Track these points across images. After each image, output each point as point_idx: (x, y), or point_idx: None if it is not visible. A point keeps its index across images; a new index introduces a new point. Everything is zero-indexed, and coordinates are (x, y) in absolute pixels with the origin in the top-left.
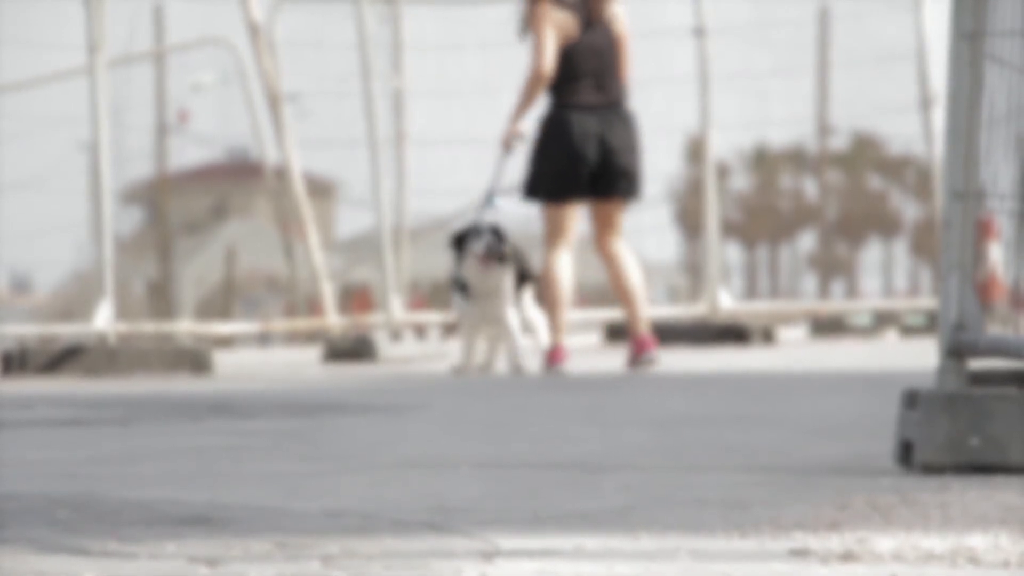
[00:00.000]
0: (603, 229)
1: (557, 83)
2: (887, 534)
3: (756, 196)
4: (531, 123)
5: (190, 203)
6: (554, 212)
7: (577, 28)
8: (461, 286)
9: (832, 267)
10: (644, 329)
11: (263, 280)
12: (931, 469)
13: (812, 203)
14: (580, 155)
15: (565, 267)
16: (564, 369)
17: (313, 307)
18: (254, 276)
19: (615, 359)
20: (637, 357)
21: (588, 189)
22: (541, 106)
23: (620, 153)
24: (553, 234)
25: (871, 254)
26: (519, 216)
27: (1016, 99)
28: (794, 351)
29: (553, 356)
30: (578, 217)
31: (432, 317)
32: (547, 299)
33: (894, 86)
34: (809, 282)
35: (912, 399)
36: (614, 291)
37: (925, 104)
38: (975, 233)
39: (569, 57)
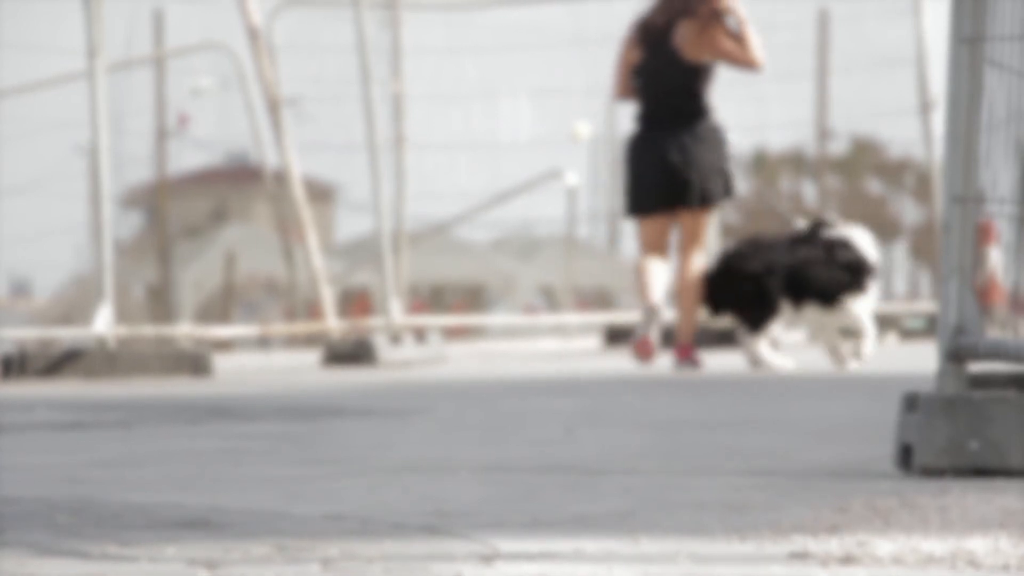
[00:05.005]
0: (681, 235)
1: (637, 106)
2: (887, 537)
3: (755, 200)
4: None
5: (189, 207)
6: (637, 225)
7: (641, 55)
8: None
9: None
10: (683, 337)
11: (263, 284)
12: (931, 472)
13: (811, 207)
14: (640, 173)
15: (651, 271)
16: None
17: (312, 311)
18: (254, 280)
19: (615, 362)
20: (678, 362)
21: (656, 203)
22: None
23: (679, 166)
24: (639, 244)
25: None
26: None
27: (1016, 103)
28: (794, 354)
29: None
30: (658, 230)
31: (432, 321)
32: (639, 298)
33: (894, 90)
34: None
35: (912, 402)
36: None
37: (925, 108)
38: (975, 237)
39: (638, 82)
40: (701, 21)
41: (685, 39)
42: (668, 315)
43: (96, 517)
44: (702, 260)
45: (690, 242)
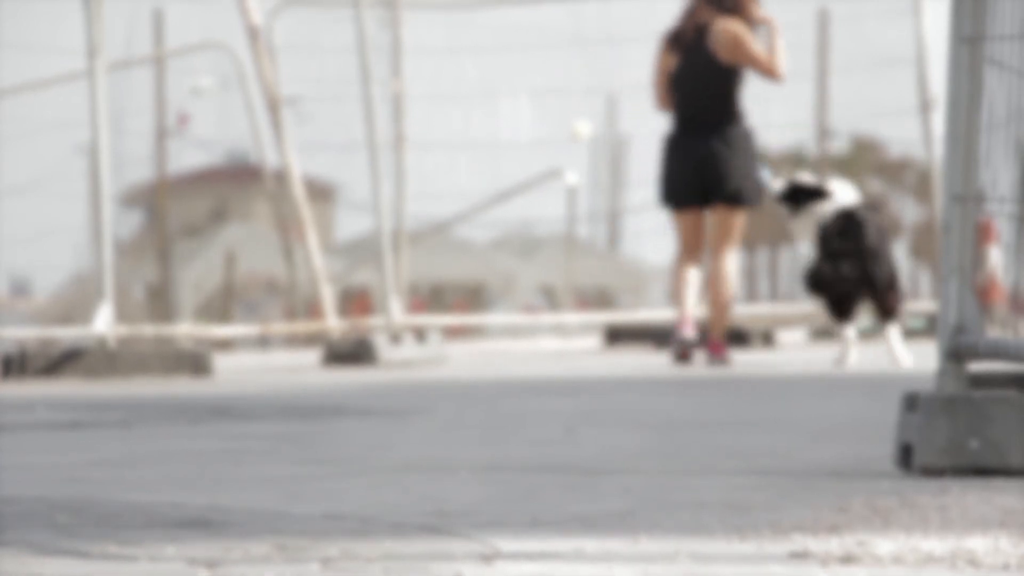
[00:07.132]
0: (715, 231)
1: (673, 110)
2: (887, 537)
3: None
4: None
5: (189, 206)
6: (673, 219)
7: (675, 61)
8: None
9: None
10: (715, 334)
11: (263, 283)
12: (931, 472)
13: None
14: (674, 167)
15: (684, 272)
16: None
17: (313, 310)
18: (254, 279)
19: (615, 362)
20: (710, 358)
21: (690, 197)
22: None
23: (713, 163)
24: (678, 243)
25: None
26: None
27: (1016, 103)
28: (794, 354)
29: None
30: (693, 224)
31: (432, 320)
32: (675, 308)
33: (894, 90)
34: None
35: (912, 402)
36: (706, 293)
37: (925, 108)
38: (974, 236)
39: (673, 85)
40: (735, 25)
41: (719, 42)
42: (700, 312)
43: (96, 516)
44: (735, 259)
45: (723, 239)
